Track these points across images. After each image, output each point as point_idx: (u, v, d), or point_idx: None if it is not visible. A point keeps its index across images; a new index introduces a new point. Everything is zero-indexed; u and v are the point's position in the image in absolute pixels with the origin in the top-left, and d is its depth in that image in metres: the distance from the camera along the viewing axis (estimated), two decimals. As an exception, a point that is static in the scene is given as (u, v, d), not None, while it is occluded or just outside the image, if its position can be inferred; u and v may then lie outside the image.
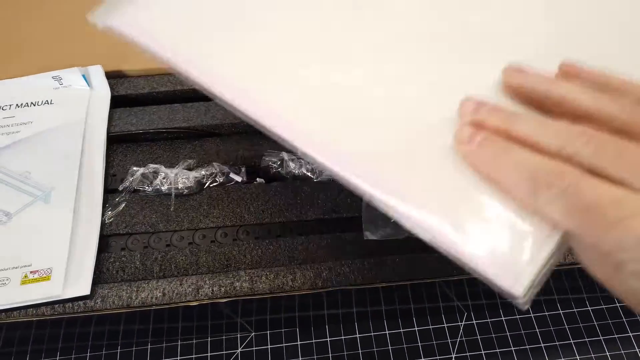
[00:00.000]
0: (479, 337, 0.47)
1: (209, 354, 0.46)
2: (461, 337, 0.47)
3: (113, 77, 0.48)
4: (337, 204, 0.42)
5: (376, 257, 0.39)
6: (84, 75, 0.46)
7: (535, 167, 0.19)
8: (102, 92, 0.47)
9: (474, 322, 0.47)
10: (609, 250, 0.17)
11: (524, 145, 0.19)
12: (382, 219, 0.40)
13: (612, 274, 0.18)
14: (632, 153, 0.17)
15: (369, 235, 0.40)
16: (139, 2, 0.28)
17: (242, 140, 0.46)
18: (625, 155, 0.17)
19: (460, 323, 0.47)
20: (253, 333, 0.47)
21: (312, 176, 0.44)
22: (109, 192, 0.43)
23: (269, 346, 0.46)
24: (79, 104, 0.46)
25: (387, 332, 0.47)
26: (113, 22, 0.28)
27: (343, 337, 0.46)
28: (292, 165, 0.44)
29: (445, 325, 0.47)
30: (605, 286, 0.19)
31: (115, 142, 0.46)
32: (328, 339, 0.46)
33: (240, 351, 0.46)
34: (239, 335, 0.47)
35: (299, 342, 0.46)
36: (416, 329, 0.47)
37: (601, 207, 0.17)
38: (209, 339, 0.47)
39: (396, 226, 0.40)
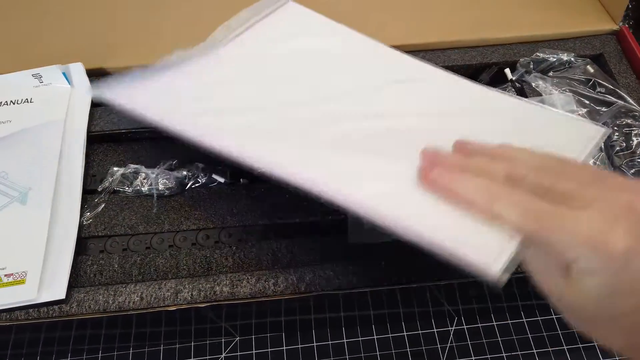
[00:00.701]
0: (469, 342, 0.45)
1: (192, 359, 0.45)
2: (451, 342, 0.45)
3: (95, 74, 0.47)
4: (323, 206, 0.41)
5: (362, 261, 0.38)
6: (64, 73, 0.45)
7: (489, 185, 0.25)
8: (83, 90, 0.46)
9: (465, 327, 0.46)
10: (559, 250, 0.21)
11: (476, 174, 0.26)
12: (368, 222, 0.39)
13: (562, 280, 0.21)
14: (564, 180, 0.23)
15: (354, 238, 0.38)
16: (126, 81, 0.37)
17: (226, 140, 0.45)
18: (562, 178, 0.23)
19: (450, 328, 0.46)
20: (238, 337, 0.46)
21: (297, 177, 0.42)
22: (88, 192, 0.42)
23: (254, 351, 0.45)
24: (59, 102, 0.45)
25: (375, 337, 0.46)
26: (108, 96, 0.36)
27: (330, 342, 0.45)
28: (277, 165, 0.42)
29: (435, 330, 0.46)
30: (551, 298, 0.23)
31: (96, 141, 0.45)
32: (314, 344, 0.45)
33: (225, 356, 0.45)
34: (223, 340, 0.46)
35: (284, 347, 0.45)
36: (405, 334, 0.46)
37: (549, 213, 0.22)
38: (192, 344, 0.46)
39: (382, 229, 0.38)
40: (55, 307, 0.36)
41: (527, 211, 0.23)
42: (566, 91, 0.45)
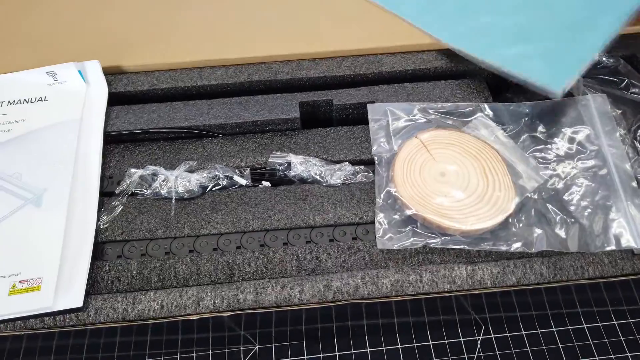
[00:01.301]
0: (497, 352, 0.44)
1: (210, 368, 0.43)
2: (479, 352, 0.44)
3: (111, 73, 0.46)
4: (348, 209, 0.39)
5: (391, 268, 0.36)
6: (80, 71, 0.44)
7: None
8: (99, 89, 0.44)
9: (492, 336, 0.44)
10: None
11: None
12: (398, 227, 0.37)
13: None
14: None
15: (385, 244, 0.37)
16: None
17: (247, 141, 0.43)
18: None
19: (477, 337, 0.44)
20: (257, 346, 0.44)
21: (321, 180, 0.41)
22: (105, 195, 0.40)
23: (274, 360, 0.43)
24: (74, 101, 0.43)
25: (399, 346, 0.44)
26: None
27: (353, 352, 0.43)
28: (299, 167, 0.41)
29: (461, 339, 0.44)
30: None
31: (113, 142, 0.43)
32: (337, 353, 0.43)
33: (244, 365, 0.43)
34: (242, 348, 0.44)
35: (305, 357, 0.43)
36: (430, 343, 0.44)
37: None
38: (210, 352, 0.44)
39: (414, 235, 0.37)
40: (72, 315, 0.34)
41: None
42: (599, 92, 0.44)
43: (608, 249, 0.36)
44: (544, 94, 0.39)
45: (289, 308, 0.35)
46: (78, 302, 0.34)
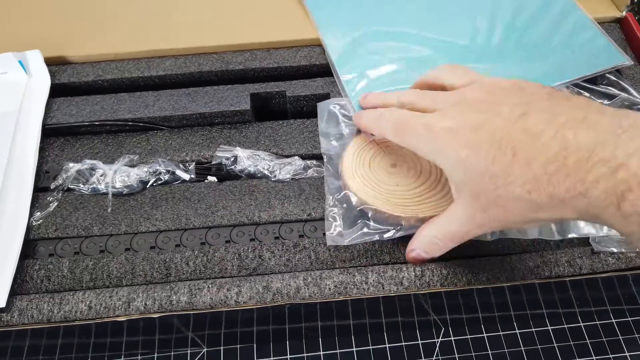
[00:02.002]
0: (456, 355, 0.42)
1: (156, 372, 0.42)
2: (437, 355, 0.42)
3: (54, 63, 0.44)
4: (297, 205, 0.37)
5: (336, 269, 0.34)
6: (20, 61, 0.42)
7: (382, 111, 0.34)
8: (41, 80, 0.42)
9: (452, 338, 0.43)
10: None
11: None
12: (349, 222, 0.35)
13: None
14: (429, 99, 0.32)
15: (335, 240, 0.35)
16: None
17: (194, 134, 0.41)
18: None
19: (436, 340, 0.43)
20: (205, 349, 0.42)
21: (269, 175, 0.39)
22: (40, 190, 0.38)
23: (222, 363, 0.41)
24: (13, 92, 0.41)
25: (354, 349, 0.42)
26: None
27: (305, 355, 0.42)
28: (246, 162, 0.39)
29: (419, 342, 0.43)
30: None
31: (52, 135, 0.41)
32: (288, 356, 0.42)
33: (191, 369, 0.41)
34: (189, 351, 0.42)
35: (255, 360, 0.41)
36: (387, 345, 0.42)
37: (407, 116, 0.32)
38: (155, 355, 0.42)
39: (366, 228, 0.35)
40: (-5, 316, 0.33)
41: (396, 121, 0.32)
42: (564, 85, 0.42)
43: (570, 236, 0.35)
44: None
45: (224, 310, 0.33)
46: (1, 303, 0.32)
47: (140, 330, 0.41)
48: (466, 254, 0.35)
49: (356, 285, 0.33)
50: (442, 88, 0.33)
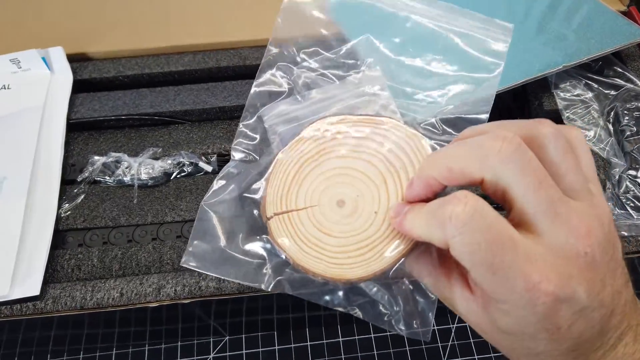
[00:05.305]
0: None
1: (179, 360, 0.43)
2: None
3: (76, 59, 0.45)
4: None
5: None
6: (44, 58, 0.43)
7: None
8: (64, 76, 0.43)
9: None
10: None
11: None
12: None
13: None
14: None
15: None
16: None
17: (214, 128, 0.42)
18: None
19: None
20: (227, 337, 0.43)
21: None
22: (67, 183, 0.39)
23: (244, 351, 0.42)
24: (38, 88, 0.42)
25: (372, 335, 0.43)
26: None
27: (325, 342, 0.43)
28: (267, 153, 0.40)
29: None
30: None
31: (76, 129, 0.42)
32: (308, 343, 0.43)
33: (213, 356, 0.42)
34: (211, 340, 0.43)
35: (276, 347, 0.42)
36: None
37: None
38: (179, 344, 0.43)
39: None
40: (29, 304, 0.33)
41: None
42: (573, 76, 0.43)
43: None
44: None
45: (253, 294, 0.34)
46: (35, 291, 0.33)
47: (164, 320, 0.42)
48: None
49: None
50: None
